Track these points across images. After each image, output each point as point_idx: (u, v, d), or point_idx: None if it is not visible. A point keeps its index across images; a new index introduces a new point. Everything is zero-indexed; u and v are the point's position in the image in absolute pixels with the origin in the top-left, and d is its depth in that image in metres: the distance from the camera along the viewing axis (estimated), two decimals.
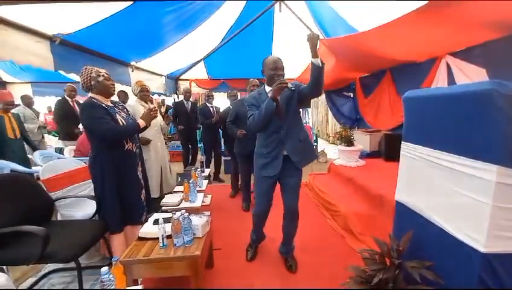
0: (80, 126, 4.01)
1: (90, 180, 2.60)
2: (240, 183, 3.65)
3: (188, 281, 1.75)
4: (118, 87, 4.08)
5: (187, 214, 1.77)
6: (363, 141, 4.51)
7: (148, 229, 1.91)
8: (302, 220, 2.20)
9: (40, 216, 1.99)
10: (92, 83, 2.02)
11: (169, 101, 8.85)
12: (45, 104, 8.39)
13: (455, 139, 1.21)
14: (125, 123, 2.16)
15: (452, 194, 1.21)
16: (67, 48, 2.72)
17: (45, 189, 2.20)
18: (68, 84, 4.47)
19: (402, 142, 1.59)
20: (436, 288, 1.21)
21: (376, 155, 4.31)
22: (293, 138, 2.02)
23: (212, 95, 4.55)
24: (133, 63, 4.12)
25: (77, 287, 1.90)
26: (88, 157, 2.22)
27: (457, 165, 1.18)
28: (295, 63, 5.69)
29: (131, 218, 2.21)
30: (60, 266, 2.24)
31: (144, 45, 3.95)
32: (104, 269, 1.13)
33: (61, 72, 2.72)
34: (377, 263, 1.37)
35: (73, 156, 3.65)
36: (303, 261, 2.22)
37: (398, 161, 3.69)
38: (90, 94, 2.11)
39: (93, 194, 2.18)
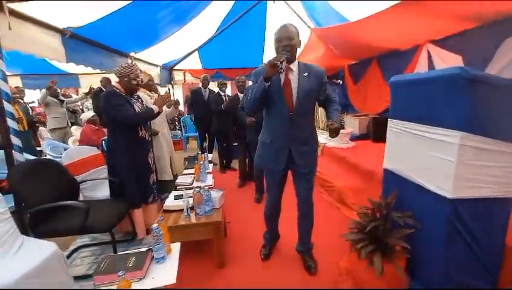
0: (84, 117, 4.13)
1: (105, 166, 2.84)
2: (247, 171, 3.81)
3: (208, 244, 2.06)
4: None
5: (207, 187, 2.04)
6: (352, 124, 4.85)
7: (171, 203, 2.18)
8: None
9: (69, 196, 2.21)
10: (125, 79, 2.24)
11: (162, 91, 8.93)
12: (35, 97, 8.30)
13: (430, 113, 1.52)
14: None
15: (427, 156, 1.53)
16: (77, 41, 2.85)
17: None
18: (103, 76, 4.52)
19: (389, 119, 1.90)
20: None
21: (365, 137, 4.67)
22: (302, 138, 1.80)
23: (226, 84, 4.49)
24: (132, 54, 4.24)
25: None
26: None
27: (431, 133, 1.50)
28: None
29: (143, 197, 2.47)
30: (87, 242, 2.48)
31: (143, 37, 4.10)
32: (155, 225, 1.40)
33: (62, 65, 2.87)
34: (370, 216, 1.70)
35: (77, 146, 3.81)
36: None
37: (385, 141, 4.08)
38: (114, 82, 2.33)
39: (110, 177, 2.41)
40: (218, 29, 5.24)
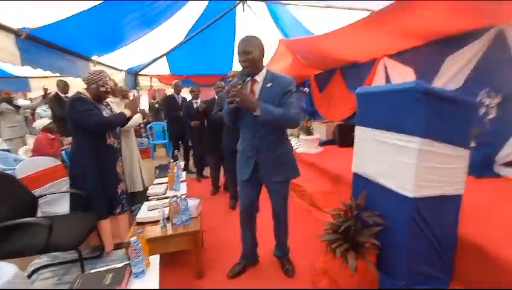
0: (38, 124, 3.77)
1: (66, 178, 2.64)
2: (223, 179, 3.80)
3: (183, 255, 2.02)
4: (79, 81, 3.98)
5: (184, 196, 2.01)
6: (319, 130, 5.11)
7: (144, 214, 2.09)
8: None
9: (26, 213, 2.00)
10: (93, 86, 2.13)
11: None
12: None
13: (392, 121, 1.69)
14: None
15: (390, 160, 1.70)
16: (33, 43, 2.63)
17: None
18: (59, 79, 4.11)
19: (356, 126, 2.07)
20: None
21: (331, 143, 4.95)
22: (266, 148, 1.77)
23: (198, 91, 4.34)
24: (94, 57, 4.01)
25: (69, 279, 2.02)
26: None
27: (393, 139, 1.67)
28: None
29: (110, 208, 2.35)
30: (47, 262, 2.26)
31: (107, 40, 3.91)
32: (133, 238, 1.34)
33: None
34: (342, 216, 1.82)
35: (30, 156, 3.47)
36: None
37: (350, 146, 4.35)
38: (81, 89, 2.20)
39: (72, 189, 2.25)
40: (187, 35, 5.18)
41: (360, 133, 2.01)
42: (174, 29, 4.85)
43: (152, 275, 1.37)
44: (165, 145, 7.21)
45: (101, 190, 2.21)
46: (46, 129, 3.70)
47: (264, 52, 1.74)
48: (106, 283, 1.23)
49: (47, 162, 2.60)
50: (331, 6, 3.45)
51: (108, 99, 2.63)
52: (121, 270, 1.32)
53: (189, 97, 4.43)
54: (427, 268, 1.65)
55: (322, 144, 4.87)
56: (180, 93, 4.80)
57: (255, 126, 1.73)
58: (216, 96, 3.50)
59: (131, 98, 2.57)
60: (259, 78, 1.73)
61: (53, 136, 3.77)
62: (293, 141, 5.70)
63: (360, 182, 2.02)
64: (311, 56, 5.30)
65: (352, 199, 1.90)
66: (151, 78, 6.57)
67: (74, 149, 2.19)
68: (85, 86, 2.21)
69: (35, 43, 2.65)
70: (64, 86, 4.24)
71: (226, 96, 1.65)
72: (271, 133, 1.76)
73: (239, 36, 5.48)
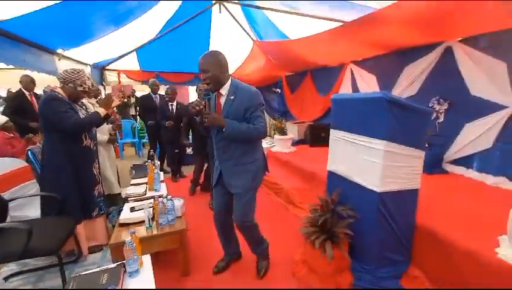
0: None
1: (34, 180, 2.51)
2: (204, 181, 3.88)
3: (166, 254, 2.06)
4: (43, 77, 3.71)
5: (170, 196, 2.04)
6: (292, 130, 5.35)
7: (127, 215, 2.09)
8: None
9: None
10: (70, 85, 2.04)
11: None
12: None
13: (362, 126, 1.92)
14: None
15: (360, 160, 1.93)
16: None
17: None
18: (24, 74, 3.70)
19: (331, 129, 2.28)
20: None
21: (303, 142, 5.21)
22: (229, 157, 1.82)
23: (175, 92, 4.26)
24: (60, 51, 3.76)
25: (44, 286, 1.96)
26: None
27: (364, 142, 1.90)
28: (231, 59, 6.13)
29: (86, 212, 2.29)
30: (17, 269, 2.14)
31: (74, 34, 3.70)
32: (128, 239, 1.37)
33: None
34: (319, 211, 2.01)
35: None
36: (262, 230, 2.75)
37: (321, 146, 4.65)
38: (56, 88, 2.10)
39: (43, 192, 2.16)
40: (160, 31, 5.06)
41: (334, 135, 2.23)
42: (146, 25, 4.71)
43: (146, 274, 1.42)
44: (134, 144, 6.95)
45: (77, 192, 2.14)
46: (2, 128, 3.40)
47: (225, 64, 1.74)
48: (102, 283, 1.26)
49: (13, 164, 2.43)
50: (308, 15, 3.64)
51: (83, 100, 2.53)
52: (116, 270, 1.35)
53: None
54: (391, 253, 1.91)
55: (294, 143, 5.12)
56: (158, 92, 4.67)
57: (218, 137, 1.82)
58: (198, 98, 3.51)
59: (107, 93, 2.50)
60: (224, 91, 1.77)
61: (11, 135, 3.48)
62: (268, 140, 5.89)
63: (334, 179, 2.24)
64: (283, 58, 5.52)
65: (328, 195, 2.10)
66: (119, 74, 6.27)
67: (47, 150, 2.09)
68: (54, 82, 2.11)
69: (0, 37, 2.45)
70: (29, 83, 3.89)
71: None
72: (238, 145, 1.79)
73: (214, 35, 5.49)
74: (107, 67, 5.99)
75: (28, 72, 3.71)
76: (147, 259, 1.52)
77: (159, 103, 4.44)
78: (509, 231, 1.53)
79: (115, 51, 5.28)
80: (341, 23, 3.40)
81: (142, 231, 1.93)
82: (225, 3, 4.38)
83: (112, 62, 5.79)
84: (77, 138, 2.17)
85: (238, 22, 5.02)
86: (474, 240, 1.68)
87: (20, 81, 3.80)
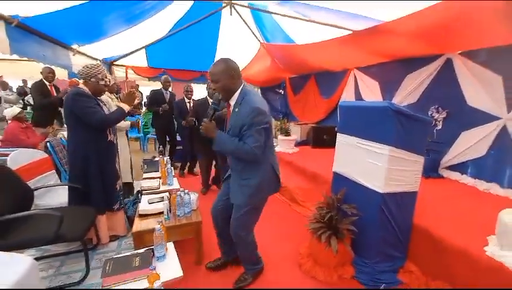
0: (7, 113, 3.54)
1: (53, 171, 2.64)
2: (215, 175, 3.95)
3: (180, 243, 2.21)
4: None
5: (187, 191, 2.19)
6: (295, 131, 5.51)
7: (146, 207, 2.22)
8: None
9: (23, 205, 2.02)
10: (93, 80, 2.15)
11: None
12: None
13: (368, 131, 2.08)
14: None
15: (365, 163, 2.09)
16: (22, 31, 2.55)
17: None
18: (45, 66, 3.80)
19: (337, 133, 2.44)
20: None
21: (305, 143, 5.38)
22: (233, 168, 1.82)
23: (191, 90, 4.30)
24: (75, 46, 3.88)
25: (67, 270, 2.12)
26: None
27: (369, 146, 2.06)
28: (237, 60, 6.26)
29: (108, 204, 2.42)
30: (37, 255, 2.27)
31: (91, 31, 3.84)
32: (158, 226, 1.52)
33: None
34: (325, 208, 2.17)
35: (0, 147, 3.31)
36: (268, 226, 2.91)
37: (323, 147, 4.81)
38: (80, 84, 2.22)
39: (71, 182, 2.28)
40: (171, 30, 5.17)
41: (341, 139, 2.39)
42: (157, 24, 4.83)
43: (172, 258, 1.57)
44: (138, 139, 7.07)
45: (101, 186, 2.27)
46: (16, 118, 3.52)
47: (236, 73, 1.67)
48: (135, 265, 1.41)
49: (35, 155, 2.55)
50: (317, 22, 3.79)
51: (103, 96, 2.65)
52: (147, 254, 1.50)
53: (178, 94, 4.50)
54: (390, 249, 2.08)
55: (297, 144, 5.28)
56: (169, 89, 4.74)
57: None
58: (208, 97, 3.61)
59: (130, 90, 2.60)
60: (232, 102, 1.72)
61: (24, 125, 3.60)
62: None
63: (339, 180, 2.40)
64: (288, 61, 5.68)
65: (333, 194, 2.26)
66: (126, 69, 6.38)
67: (74, 144, 2.21)
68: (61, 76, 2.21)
69: (23, 31, 2.57)
70: (48, 74, 4.03)
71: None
72: (234, 158, 1.77)
73: (222, 34, 5.62)
74: (115, 63, 6.09)
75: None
76: (171, 246, 1.67)
77: (171, 98, 4.55)
78: (497, 231, 1.71)
79: (125, 48, 5.39)
80: (348, 31, 3.56)
81: (163, 221, 2.06)
82: (236, 7, 4.51)
83: (121, 58, 5.89)
84: (102, 133, 2.29)
85: (246, 24, 5.15)
86: (465, 239, 1.85)
87: (41, 72, 3.94)
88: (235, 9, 4.59)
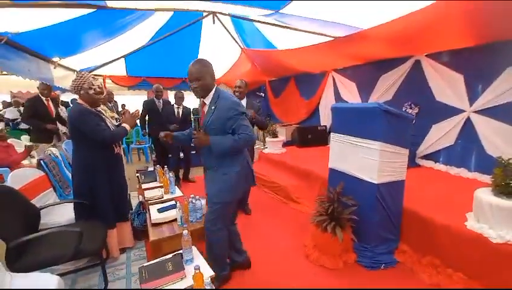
0: None
1: (51, 189, 2.61)
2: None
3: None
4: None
5: (198, 197, 2.29)
6: (280, 133, 5.73)
7: (158, 216, 2.28)
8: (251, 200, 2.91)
9: (33, 225, 2.00)
10: (81, 92, 2.14)
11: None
12: None
13: (360, 130, 2.33)
14: (111, 127, 2.36)
15: (359, 158, 2.34)
16: (8, 47, 2.48)
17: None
18: (40, 83, 3.66)
19: (331, 133, 2.68)
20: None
21: (291, 144, 5.62)
22: (209, 166, 1.93)
23: (182, 97, 4.30)
24: (56, 59, 3.77)
25: (80, 287, 2.13)
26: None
27: (362, 143, 2.31)
28: (219, 65, 6.38)
29: (120, 216, 2.46)
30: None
31: (72, 45, 3.76)
32: (185, 231, 1.61)
33: None
34: (326, 202, 2.38)
35: None
36: (269, 224, 3.07)
37: (309, 146, 5.08)
38: (77, 100, 2.22)
39: (76, 198, 2.28)
40: (151, 39, 5.15)
41: (335, 137, 2.63)
42: (137, 34, 4.79)
43: (199, 260, 1.67)
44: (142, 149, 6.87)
45: (111, 200, 2.28)
46: None
47: (213, 73, 1.81)
48: (169, 269, 1.50)
49: (33, 173, 2.48)
50: (298, 29, 4.02)
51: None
52: (177, 258, 1.59)
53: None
54: (385, 233, 2.34)
55: (283, 145, 5.50)
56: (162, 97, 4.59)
57: (202, 149, 1.90)
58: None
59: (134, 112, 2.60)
60: (207, 100, 1.83)
61: (5, 144, 3.43)
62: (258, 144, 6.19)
63: (336, 175, 2.63)
64: (268, 65, 5.90)
65: (332, 188, 2.48)
66: (104, 79, 6.22)
67: (81, 158, 2.20)
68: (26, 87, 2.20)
69: (11, 48, 2.51)
70: (44, 89, 3.82)
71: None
72: (213, 156, 1.81)
73: (204, 41, 5.69)
74: (92, 73, 5.90)
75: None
76: (194, 249, 1.77)
77: (162, 108, 4.44)
78: (474, 207, 2.02)
79: (103, 58, 5.27)
80: (326, 37, 3.84)
81: (176, 228, 2.15)
82: (218, 14, 4.62)
83: (99, 68, 5.73)
84: (108, 147, 2.30)
85: (227, 30, 5.28)
86: (447, 217, 2.16)
87: (37, 87, 3.80)
88: (217, 17, 4.71)
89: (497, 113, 2.87)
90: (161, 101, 4.51)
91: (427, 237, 2.24)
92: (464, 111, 3.16)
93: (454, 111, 3.27)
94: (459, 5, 2.22)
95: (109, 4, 2.82)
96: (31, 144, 3.50)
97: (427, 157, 3.67)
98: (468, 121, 3.15)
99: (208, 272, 1.53)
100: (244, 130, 1.76)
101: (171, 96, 6.28)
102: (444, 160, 3.49)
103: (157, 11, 4.17)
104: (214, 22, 4.62)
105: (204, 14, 4.64)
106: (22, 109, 6.08)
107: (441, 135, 3.42)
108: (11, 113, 6.91)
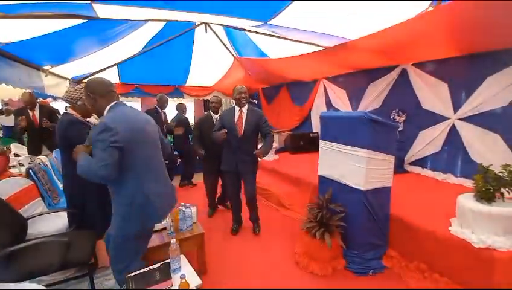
0: None
1: (39, 198, 2.60)
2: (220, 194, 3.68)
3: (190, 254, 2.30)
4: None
5: (188, 205, 2.30)
6: (275, 139, 5.77)
7: None
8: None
9: (19, 235, 1.98)
10: (79, 103, 2.15)
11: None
12: None
13: (348, 137, 2.38)
14: None
15: (347, 165, 2.39)
16: (0, 57, 2.48)
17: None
18: (24, 92, 3.62)
19: (320, 140, 2.73)
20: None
21: (283, 150, 5.67)
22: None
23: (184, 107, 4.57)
24: (47, 67, 3.77)
25: None
26: None
27: (349, 150, 2.36)
28: (212, 73, 6.44)
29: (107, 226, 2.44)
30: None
31: (63, 53, 3.77)
32: (173, 240, 1.62)
33: None
34: (316, 209, 2.42)
35: None
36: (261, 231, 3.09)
37: (301, 153, 5.13)
38: (68, 109, 2.22)
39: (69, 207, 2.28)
40: (144, 47, 5.19)
41: (324, 145, 2.68)
42: (130, 42, 4.83)
43: (187, 269, 1.67)
44: None
45: (100, 209, 2.27)
46: None
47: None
48: (157, 279, 1.50)
49: (21, 183, 2.46)
50: (289, 39, 4.11)
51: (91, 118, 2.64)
52: (165, 267, 1.60)
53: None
54: (373, 239, 2.38)
55: (276, 151, 5.54)
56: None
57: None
58: (212, 112, 3.45)
59: None
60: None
61: None
62: None
63: (325, 182, 2.67)
64: (261, 73, 5.97)
65: (321, 195, 2.52)
66: None
67: (69, 168, 2.20)
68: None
69: (1, 57, 2.51)
70: (28, 99, 3.76)
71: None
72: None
73: (196, 49, 5.74)
74: (84, 81, 5.89)
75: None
76: (183, 258, 1.77)
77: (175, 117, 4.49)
78: (457, 213, 2.08)
79: (96, 65, 5.28)
80: (319, 47, 3.93)
81: (166, 237, 2.14)
82: (210, 24, 4.70)
83: (91, 75, 5.72)
84: None
85: (220, 39, 5.36)
86: (433, 223, 2.21)
87: (22, 98, 3.76)
88: (210, 27, 4.78)
89: (480, 120, 2.97)
90: (163, 112, 4.53)
91: (414, 242, 2.28)
92: (449, 118, 3.26)
93: (439, 118, 3.36)
94: (443, 18, 2.32)
95: (100, 15, 2.84)
96: (2, 147, 3.48)
97: (415, 163, 3.75)
98: (453, 128, 3.24)
99: (195, 281, 1.53)
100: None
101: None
102: (431, 166, 3.57)
103: (149, 21, 4.23)
104: (206, 31, 4.69)
105: (197, 23, 4.72)
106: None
107: (428, 141, 3.51)
108: (6, 121, 6.80)
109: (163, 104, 4.51)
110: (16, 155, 4.93)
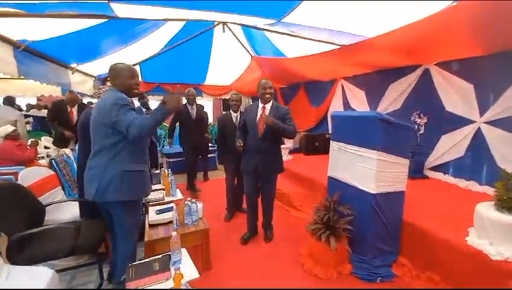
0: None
1: (59, 187, 2.74)
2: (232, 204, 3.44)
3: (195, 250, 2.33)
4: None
5: (194, 200, 2.33)
6: (288, 140, 5.72)
7: (155, 217, 2.34)
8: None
9: (37, 221, 2.11)
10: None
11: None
12: None
13: (359, 138, 2.30)
14: None
15: (357, 167, 2.30)
16: (27, 54, 2.67)
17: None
18: (68, 92, 4.02)
19: (331, 141, 2.66)
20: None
21: (298, 151, 5.59)
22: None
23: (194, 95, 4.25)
24: (74, 65, 4.01)
25: (77, 283, 2.21)
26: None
27: (360, 152, 2.27)
28: (229, 72, 6.52)
29: None
30: None
31: (89, 51, 3.98)
32: (174, 233, 1.66)
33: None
34: (323, 211, 2.35)
35: None
36: None
37: (315, 154, 5.03)
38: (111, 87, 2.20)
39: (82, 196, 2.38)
40: (165, 46, 5.36)
41: (334, 146, 2.60)
42: (151, 42, 5.00)
43: (187, 262, 1.70)
44: None
45: None
46: (9, 136, 3.55)
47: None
48: (156, 269, 1.54)
49: (42, 172, 2.64)
50: (307, 38, 4.05)
51: None
52: (165, 259, 1.63)
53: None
54: (383, 245, 2.27)
55: (290, 152, 5.48)
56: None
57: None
58: (232, 111, 3.35)
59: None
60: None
61: (18, 143, 3.64)
62: None
63: (334, 184, 2.60)
64: (278, 73, 5.94)
65: (329, 197, 2.45)
66: None
67: (84, 157, 2.31)
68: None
69: (30, 55, 2.70)
70: (70, 99, 4.06)
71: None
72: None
73: (215, 49, 5.84)
74: (108, 78, 6.18)
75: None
76: (184, 251, 1.80)
77: (197, 115, 4.25)
78: (475, 222, 1.93)
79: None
80: (336, 46, 3.83)
81: (171, 230, 2.19)
82: (228, 24, 4.75)
83: None
84: None
85: (237, 39, 5.40)
86: (449, 232, 2.07)
87: (65, 96, 4.10)
88: (227, 26, 4.84)
89: (508, 124, 2.74)
90: (194, 108, 4.21)
91: (428, 251, 2.15)
92: (474, 122, 3.04)
93: (464, 121, 3.15)
94: (465, 13, 2.17)
95: (119, 14, 2.98)
96: (33, 139, 3.72)
97: (436, 168, 3.54)
98: (478, 132, 3.02)
99: (190, 274, 1.55)
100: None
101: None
102: (453, 172, 3.35)
103: (169, 21, 4.36)
104: (224, 31, 4.75)
105: (215, 23, 4.79)
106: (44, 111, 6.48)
107: (451, 145, 3.30)
108: (39, 113, 7.32)
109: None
110: (46, 147, 5.30)
